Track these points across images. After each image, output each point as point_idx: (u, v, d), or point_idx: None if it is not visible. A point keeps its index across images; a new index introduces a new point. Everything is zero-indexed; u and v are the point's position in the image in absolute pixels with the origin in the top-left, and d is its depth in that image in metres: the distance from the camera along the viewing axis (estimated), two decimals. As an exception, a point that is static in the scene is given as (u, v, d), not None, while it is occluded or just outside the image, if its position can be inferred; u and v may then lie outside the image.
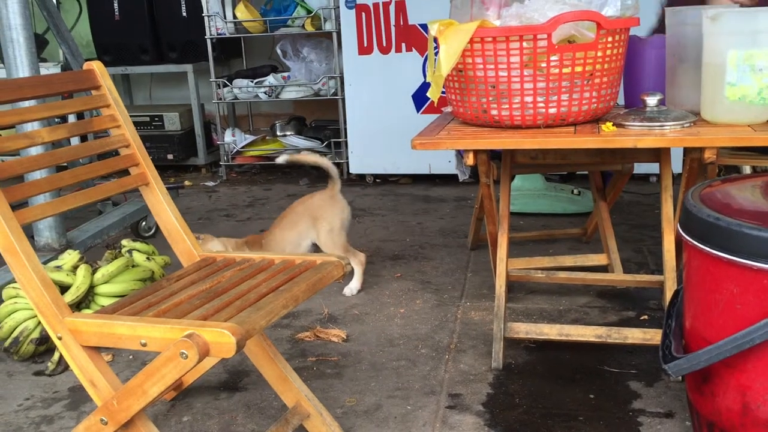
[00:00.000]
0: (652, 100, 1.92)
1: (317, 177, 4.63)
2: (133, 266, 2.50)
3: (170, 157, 4.79)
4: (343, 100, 4.32)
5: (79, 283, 2.31)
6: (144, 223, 3.44)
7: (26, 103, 1.98)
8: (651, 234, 3.15)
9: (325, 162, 2.73)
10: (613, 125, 1.90)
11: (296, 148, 4.63)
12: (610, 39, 1.87)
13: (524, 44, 1.82)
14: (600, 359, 2.11)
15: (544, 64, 1.84)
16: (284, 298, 1.47)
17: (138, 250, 2.59)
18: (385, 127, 4.17)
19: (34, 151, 2.24)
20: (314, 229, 2.66)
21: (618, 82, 2.01)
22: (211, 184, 4.66)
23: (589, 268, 2.57)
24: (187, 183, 4.66)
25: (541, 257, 2.67)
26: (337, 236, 2.66)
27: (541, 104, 1.89)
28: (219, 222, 3.78)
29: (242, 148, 4.71)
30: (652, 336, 1.99)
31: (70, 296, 2.27)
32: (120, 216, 3.21)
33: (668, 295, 2.03)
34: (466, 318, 2.45)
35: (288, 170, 4.83)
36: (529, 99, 1.88)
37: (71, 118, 3.39)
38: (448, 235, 3.33)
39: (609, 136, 1.84)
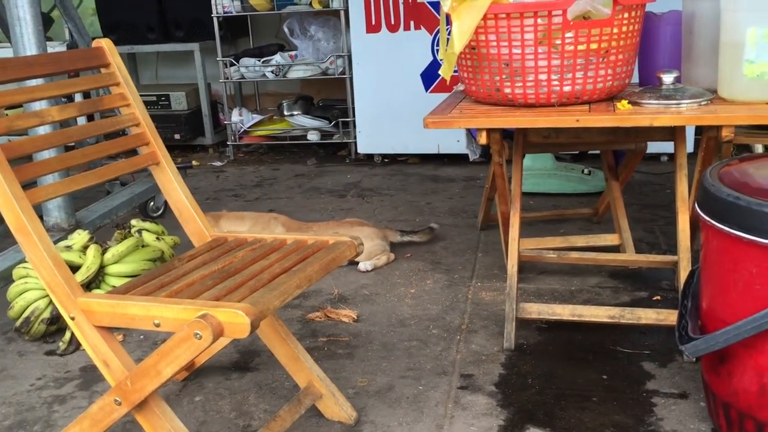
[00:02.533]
0: (668, 78, 1.89)
1: (324, 157, 4.62)
2: (142, 246, 2.49)
3: (177, 137, 4.77)
4: (351, 79, 4.28)
5: (90, 263, 2.30)
6: (152, 203, 3.43)
7: (34, 82, 1.96)
8: (663, 214, 3.13)
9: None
10: (628, 103, 1.87)
11: (304, 127, 4.61)
12: (626, 15, 1.83)
13: (539, 21, 1.79)
14: (613, 340, 2.10)
15: (558, 41, 1.81)
16: (298, 278, 1.45)
17: (148, 230, 2.58)
18: (393, 107, 4.14)
19: (42, 130, 2.22)
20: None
21: (633, 59, 1.97)
22: (218, 164, 4.65)
23: (601, 248, 2.55)
24: (194, 163, 4.65)
25: (552, 237, 2.64)
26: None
27: (556, 82, 1.86)
28: (227, 202, 3.77)
29: (249, 127, 4.69)
30: (666, 316, 1.97)
31: (80, 276, 2.26)
32: (128, 196, 3.19)
33: (682, 275, 2.01)
34: (477, 298, 2.43)
35: (296, 150, 4.81)
36: (543, 77, 1.85)
37: (77, 98, 3.37)
38: (458, 215, 3.31)
39: (624, 115, 1.82)
